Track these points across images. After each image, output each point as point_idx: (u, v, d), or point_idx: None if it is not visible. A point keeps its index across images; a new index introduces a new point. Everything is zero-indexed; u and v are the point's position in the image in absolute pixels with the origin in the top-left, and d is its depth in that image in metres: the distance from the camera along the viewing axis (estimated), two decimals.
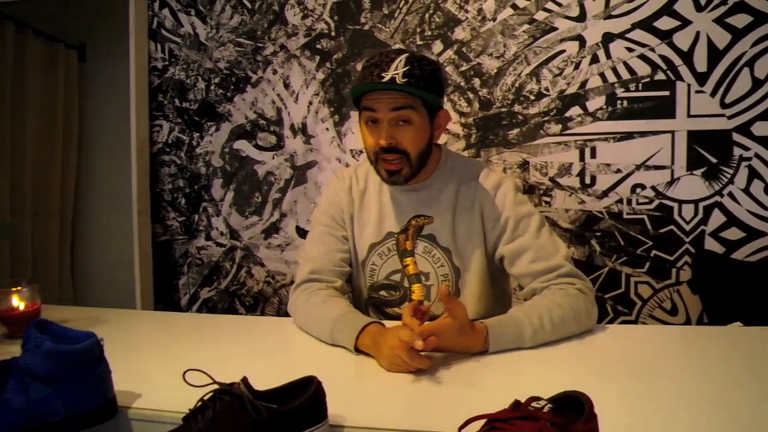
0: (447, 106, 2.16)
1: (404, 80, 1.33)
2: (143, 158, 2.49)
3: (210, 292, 2.55)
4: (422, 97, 1.37)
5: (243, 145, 2.46)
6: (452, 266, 1.48)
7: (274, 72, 2.39)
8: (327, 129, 2.36)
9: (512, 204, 1.44)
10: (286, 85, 2.38)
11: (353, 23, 2.30)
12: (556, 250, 1.39)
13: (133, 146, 2.43)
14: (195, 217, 2.54)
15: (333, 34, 2.32)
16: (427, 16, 2.23)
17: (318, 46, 2.34)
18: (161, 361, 1.24)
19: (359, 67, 2.26)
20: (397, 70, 1.33)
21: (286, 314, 1.51)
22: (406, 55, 1.36)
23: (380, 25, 2.27)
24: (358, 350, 1.24)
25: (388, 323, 1.27)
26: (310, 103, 2.36)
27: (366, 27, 2.28)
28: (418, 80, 1.34)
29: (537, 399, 0.73)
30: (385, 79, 1.33)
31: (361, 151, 2.32)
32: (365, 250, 1.53)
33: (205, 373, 0.85)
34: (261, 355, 1.30)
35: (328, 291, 1.43)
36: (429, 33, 2.23)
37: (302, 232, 2.41)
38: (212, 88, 2.46)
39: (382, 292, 1.53)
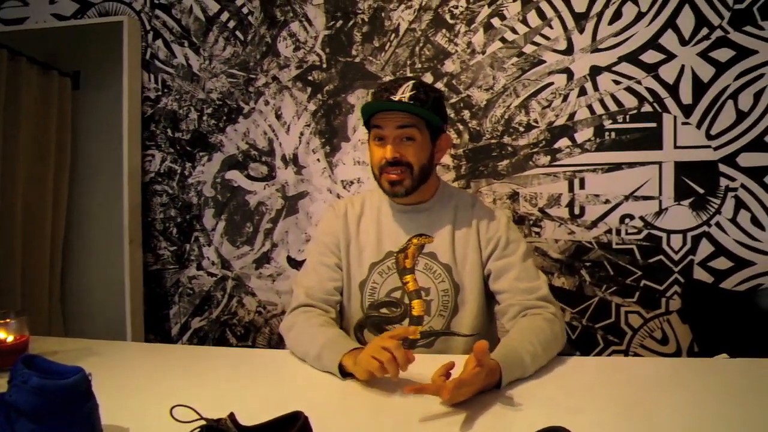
0: None
1: (410, 102, 1.47)
2: (135, 187, 2.49)
3: (201, 322, 2.54)
4: (424, 117, 1.49)
5: (235, 176, 2.47)
6: (452, 282, 1.54)
7: (266, 103, 2.41)
8: (318, 160, 2.37)
9: (505, 227, 1.56)
10: (278, 116, 2.40)
11: (344, 56, 2.33)
12: (537, 276, 1.52)
13: (125, 175, 2.43)
14: (186, 246, 2.53)
15: (324, 66, 2.35)
16: (417, 49, 2.26)
17: (309, 78, 2.36)
18: (150, 395, 1.24)
19: (350, 98, 2.31)
20: (404, 93, 1.47)
21: (277, 345, 1.51)
22: (413, 81, 1.51)
23: (371, 58, 2.30)
24: (342, 373, 1.29)
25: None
26: (302, 134, 2.38)
27: (357, 59, 2.31)
28: (422, 102, 1.48)
29: None
30: (394, 99, 1.47)
31: (352, 182, 2.33)
32: (366, 270, 1.58)
33: (193, 409, 0.85)
34: (249, 388, 1.30)
35: (326, 318, 1.50)
36: (419, 65, 2.26)
37: (293, 263, 2.41)
38: (204, 118, 2.47)
39: (383, 310, 1.57)
